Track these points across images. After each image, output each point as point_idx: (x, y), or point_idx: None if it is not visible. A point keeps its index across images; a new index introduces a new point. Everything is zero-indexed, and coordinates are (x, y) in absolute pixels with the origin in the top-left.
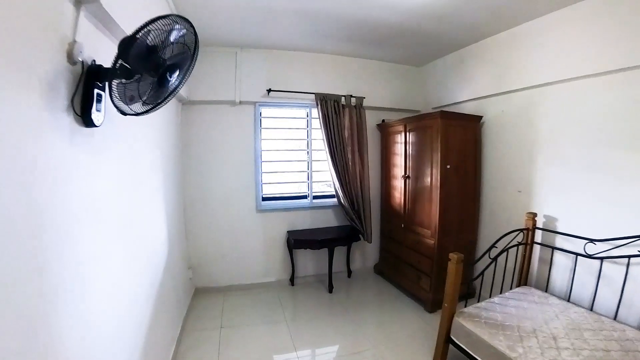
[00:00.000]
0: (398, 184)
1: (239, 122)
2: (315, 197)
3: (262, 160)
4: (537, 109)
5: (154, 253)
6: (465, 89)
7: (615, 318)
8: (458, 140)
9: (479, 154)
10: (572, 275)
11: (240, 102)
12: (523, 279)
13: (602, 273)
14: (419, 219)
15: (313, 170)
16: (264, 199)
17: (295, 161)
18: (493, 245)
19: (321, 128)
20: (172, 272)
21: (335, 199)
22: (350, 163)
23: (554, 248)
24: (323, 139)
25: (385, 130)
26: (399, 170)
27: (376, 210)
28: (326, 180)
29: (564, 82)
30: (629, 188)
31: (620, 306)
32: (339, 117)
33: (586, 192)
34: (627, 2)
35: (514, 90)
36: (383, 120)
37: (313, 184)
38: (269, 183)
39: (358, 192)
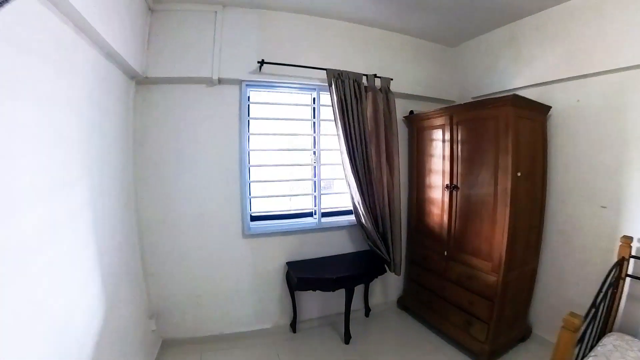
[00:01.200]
0: (437, 197)
1: (219, 109)
2: (324, 215)
3: (251, 164)
4: (631, 98)
5: (67, 327)
6: (520, 73)
7: None
8: (527, 137)
9: (546, 157)
10: None
11: (220, 81)
12: (610, 324)
13: None
14: (472, 246)
15: (322, 178)
16: (254, 218)
17: (297, 166)
18: (600, 291)
19: (335, 119)
20: (117, 334)
21: (351, 217)
22: (374, 168)
23: None
24: (339, 134)
25: (416, 125)
26: (438, 177)
27: (403, 230)
28: (339, 192)
29: None
30: None
31: None
32: (359, 103)
33: None
34: None
35: (595, 74)
36: (411, 112)
37: (322, 196)
38: (261, 197)
39: (385, 208)
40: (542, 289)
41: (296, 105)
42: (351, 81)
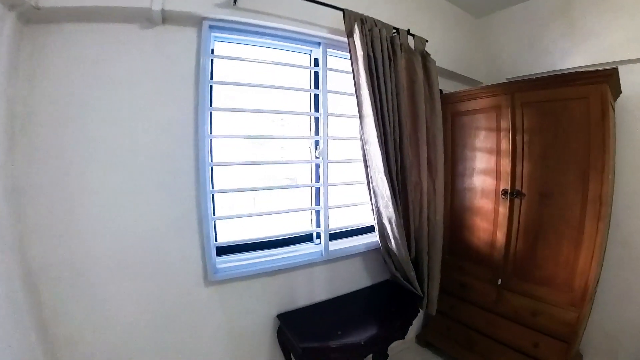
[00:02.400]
0: (486, 206)
1: (161, 67)
2: (331, 237)
3: (214, 162)
4: None
5: None
6: (574, 50)
7: None
8: None
9: (614, 154)
10: None
11: (166, 18)
12: None
13: None
14: (542, 273)
15: (330, 183)
16: (222, 250)
17: (289, 163)
18: None
19: (359, 88)
20: None
21: (368, 237)
22: (410, 165)
23: None
24: (362, 114)
25: (451, 108)
26: (488, 180)
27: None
28: (354, 203)
29: None
30: None
31: None
32: (394, 66)
33: None
34: None
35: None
36: (441, 91)
37: (330, 211)
38: (231, 218)
39: (422, 225)
40: (599, 311)
41: (288, 65)
42: (382, 31)
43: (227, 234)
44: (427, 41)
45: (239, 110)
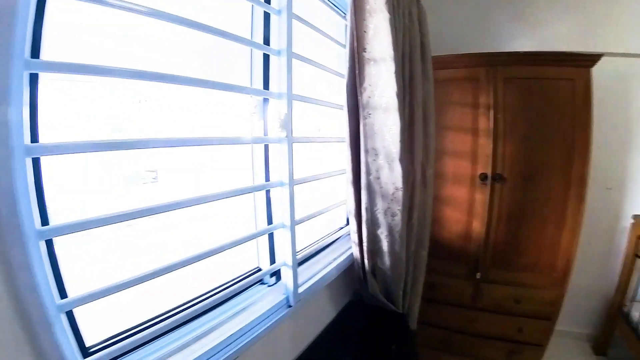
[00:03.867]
0: (460, 194)
1: None
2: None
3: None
4: (635, 85)
5: None
6: (524, 35)
7: None
8: None
9: None
10: None
11: None
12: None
13: None
14: (526, 259)
15: (297, 180)
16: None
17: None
18: None
19: (377, 5)
20: None
21: (333, 253)
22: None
23: None
24: (379, 50)
25: None
26: (463, 164)
27: None
28: (323, 210)
29: None
30: None
31: None
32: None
33: None
34: None
35: (609, 53)
36: None
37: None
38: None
39: (413, 223)
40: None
41: None
42: None
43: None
44: None
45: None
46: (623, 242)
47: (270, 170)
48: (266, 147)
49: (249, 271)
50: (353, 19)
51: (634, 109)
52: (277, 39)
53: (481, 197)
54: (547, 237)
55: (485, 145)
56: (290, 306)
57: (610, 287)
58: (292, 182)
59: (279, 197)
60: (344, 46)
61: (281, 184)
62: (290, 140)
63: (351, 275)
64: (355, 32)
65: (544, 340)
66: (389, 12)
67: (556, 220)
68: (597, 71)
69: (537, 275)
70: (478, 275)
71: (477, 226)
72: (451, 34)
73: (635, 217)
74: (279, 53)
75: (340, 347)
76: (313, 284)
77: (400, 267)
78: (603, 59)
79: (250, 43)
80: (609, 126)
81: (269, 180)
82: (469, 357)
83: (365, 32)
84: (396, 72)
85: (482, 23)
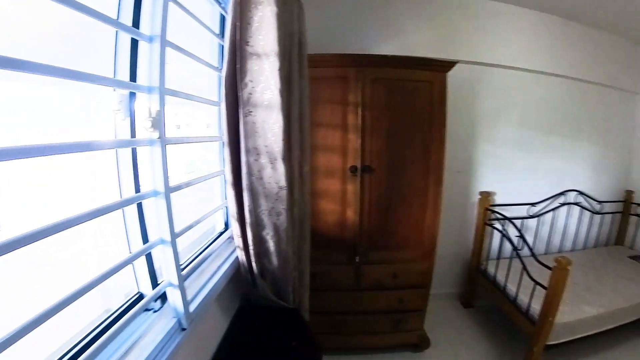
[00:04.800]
0: (333, 186)
1: None
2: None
3: None
4: (485, 87)
5: None
6: (389, 40)
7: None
8: None
9: None
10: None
11: None
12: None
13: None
14: (397, 239)
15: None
16: None
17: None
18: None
19: None
20: None
21: (216, 260)
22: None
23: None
24: (264, 44)
25: None
26: (334, 158)
27: None
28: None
29: (506, 68)
30: (547, 162)
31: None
32: None
33: (516, 166)
34: (560, 28)
35: (460, 61)
36: None
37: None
38: None
39: (295, 219)
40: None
41: None
42: None
43: None
44: None
45: None
46: (474, 214)
47: (140, 178)
48: (134, 152)
49: (128, 300)
50: (237, 9)
51: (478, 108)
52: (150, 23)
53: (353, 188)
54: (413, 218)
55: (354, 140)
56: (184, 329)
57: (469, 251)
58: (169, 190)
59: (154, 208)
60: (219, 36)
61: (155, 194)
62: (164, 141)
63: (238, 280)
64: (239, 23)
65: (423, 305)
66: (277, 6)
67: (420, 203)
68: (452, 76)
69: (408, 252)
70: (357, 259)
71: (352, 215)
72: (323, 35)
73: (481, 193)
74: (150, 39)
75: (242, 356)
76: (203, 299)
77: (288, 265)
78: (460, 65)
79: (115, 24)
80: (458, 121)
81: (139, 191)
82: (361, 334)
83: (249, 24)
84: (280, 69)
85: (353, 27)
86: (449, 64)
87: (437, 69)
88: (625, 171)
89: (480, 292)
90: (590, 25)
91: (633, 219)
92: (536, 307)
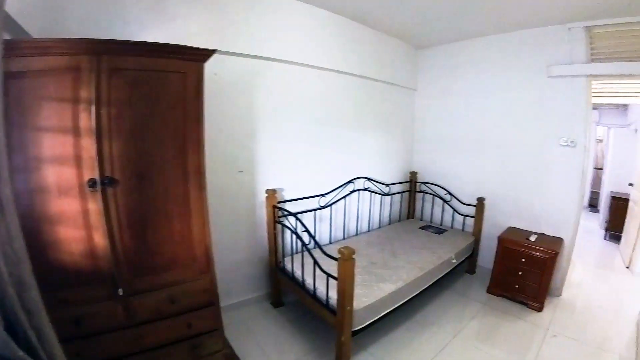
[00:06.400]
0: (71, 207)
1: None
2: None
3: None
4: (267, 83)
5: None
6: (159, 27)
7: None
8: None
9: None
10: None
11: None
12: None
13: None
14: (163, 258)
15: None
16: None
17: None
18: None
19: None
20: None
21: None
22: None
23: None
24: None
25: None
26: (67, 171)
27: None
28: None
29: (290, 63)
30: (335, 154)
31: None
32: None
33: (305, 161)
34: (349, 28)
35: (235, 54)
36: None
37: None
38: None
39: (8, 248)
40: (222, 262)
41: None
42: None
43: None
44: None
45: None
46: (264, 213)
47: None
48: None
49: None
50: None
51: (260, 104)
52: None
53: (95, 207)
54: (177, 232)
55: (90, 146)
56: None
57: (266, 251)
58: None
59: None
60: None
61: None
62: None
63: None
64: None
65: (217, 324)
66: None
67: (181, 213)
68: (229, 70)
69: (181, 270)
70: (120, 292)
71: (100, 239)
72: (71, 16)
73: (268, 191)
74: None
75: None
76: None
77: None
78: (234, 58)
79: None
80: (238, 118)
81: None
82: None
83: None
84: None
85: (112, 5)
86: (206, 53)
87: (191, 57)
88: (409, 155)
89: (285, 289)
90: (377, 29)
91: (419, 195)
92: (334, 297)
